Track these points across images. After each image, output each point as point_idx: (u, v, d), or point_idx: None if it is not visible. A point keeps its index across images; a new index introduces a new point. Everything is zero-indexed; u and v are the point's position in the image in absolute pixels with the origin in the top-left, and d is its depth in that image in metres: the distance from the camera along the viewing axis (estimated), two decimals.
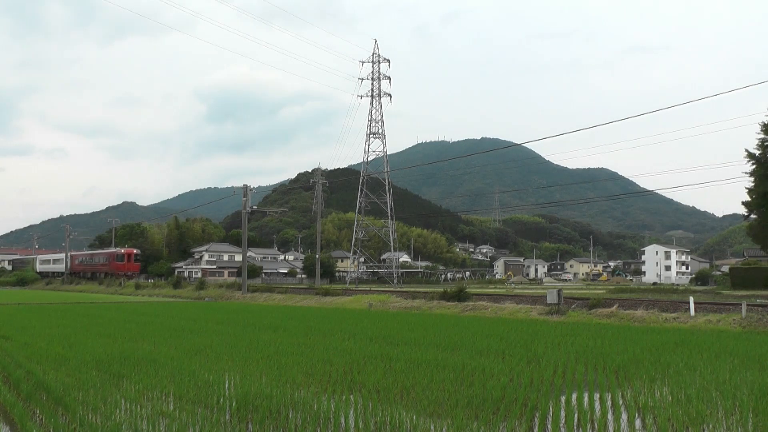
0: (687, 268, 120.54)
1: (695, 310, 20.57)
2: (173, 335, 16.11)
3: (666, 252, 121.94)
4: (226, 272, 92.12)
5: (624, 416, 7.22)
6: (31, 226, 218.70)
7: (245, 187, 45.49)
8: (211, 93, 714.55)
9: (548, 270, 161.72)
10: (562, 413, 7.21)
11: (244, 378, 9.33)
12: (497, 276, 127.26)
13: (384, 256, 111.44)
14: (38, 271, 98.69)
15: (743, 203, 42.50)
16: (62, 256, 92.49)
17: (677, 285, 70.39)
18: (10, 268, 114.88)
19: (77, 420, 6.87)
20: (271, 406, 7.32)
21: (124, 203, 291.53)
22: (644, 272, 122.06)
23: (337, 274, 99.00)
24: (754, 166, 37.09)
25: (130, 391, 8.56)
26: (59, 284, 78.46)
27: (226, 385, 8.72)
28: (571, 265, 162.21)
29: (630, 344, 13.65)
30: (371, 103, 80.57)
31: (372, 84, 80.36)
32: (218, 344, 13.87)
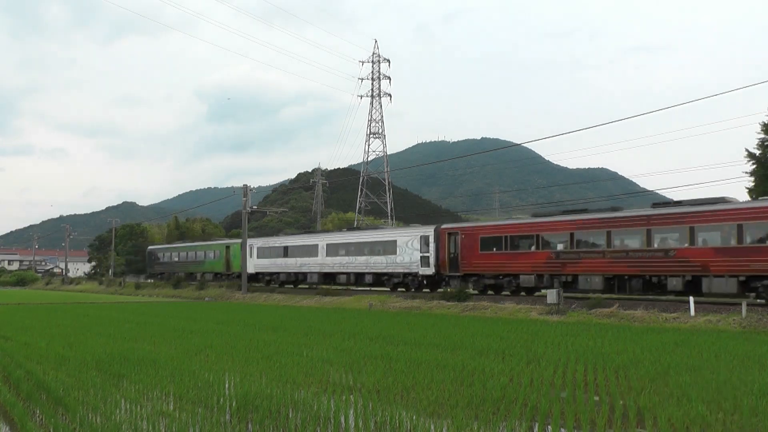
0: None
1: (695, 310, 20.57)
2: (173, 335, 16.11)
3: None
4: None
5: (624, 416, 7.21)
6: (31, 226, 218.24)
7: (245, 187, 45.45)
8: (212, 93, 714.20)
9: None
10: (562, 413, 7.21)
11: (244, 378, 9.34)
12: None
13: None
14: (256, 271, 46.19)
15: None
16: (379, 234, 37.30)
17: None
18: (158, 262, 60.30)
19: (77, 420, 6.87)
20: (271, 406, 7.33)
21: (124, 203, 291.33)
22: None
23: None
24: (754, 166, 37.03)
25: (130, 391, 8.56)
26: (59, 284, 78.28)
27: (226, 385, 8.72)
28: None
29: (630, 344, 13.66)
30: (371, 103, 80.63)
31: (372, 84, 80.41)
32: (218, 344, 13.88)
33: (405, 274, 34.05)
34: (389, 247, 34.86)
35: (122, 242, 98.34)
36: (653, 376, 9.57)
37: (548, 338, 15.09)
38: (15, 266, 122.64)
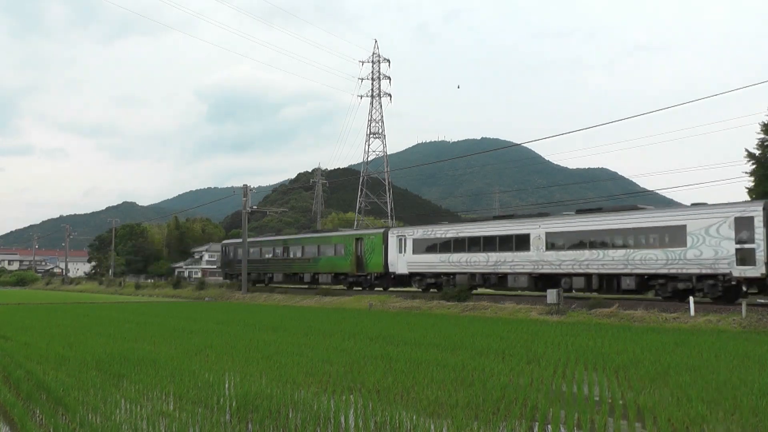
0: None
1: (695, 310, 20.57)
2: (173, 335, 16.11)
3: None
4: None
5: (624, 416, 7.22)
6: (31, 226, 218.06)
7: (245, 187, 45.52)
8: (212, 93, 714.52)
9: None
10: (562, 413, 7.21)
11: (244, 378, 9.34)
12: None
13: None
14: (409, 271, 34.33)
15: None
16: None
17: None
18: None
19: (77, 420, 6.87)
20: (271, 406, 7.33)
21: (124, 203, 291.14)
22: None
23: None
24: (754, 166, 37.00)
25: (130, 391, 8.57)
26: (59, 284, 78.25)
27: (226, 385, 8.72)
28: None
29: (630, 344, 13.66)
30: (371, 103, 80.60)
31: (372, 84, 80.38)
32: (218, 344, 13.88)
33: (701, 276, 22.95)
34: (672, 235, 23.72)
35: (122, 242, 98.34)
36: (653, 376, 9.57)
37: (548, 338, 15.09)
38: (15, 266, 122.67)
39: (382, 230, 36.83)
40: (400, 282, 35.34)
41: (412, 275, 34.08)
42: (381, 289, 36.17)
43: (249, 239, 50.55)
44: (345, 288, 38.43)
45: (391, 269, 34.77)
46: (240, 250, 47.24)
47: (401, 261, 34.00)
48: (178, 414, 7.12)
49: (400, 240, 34.26)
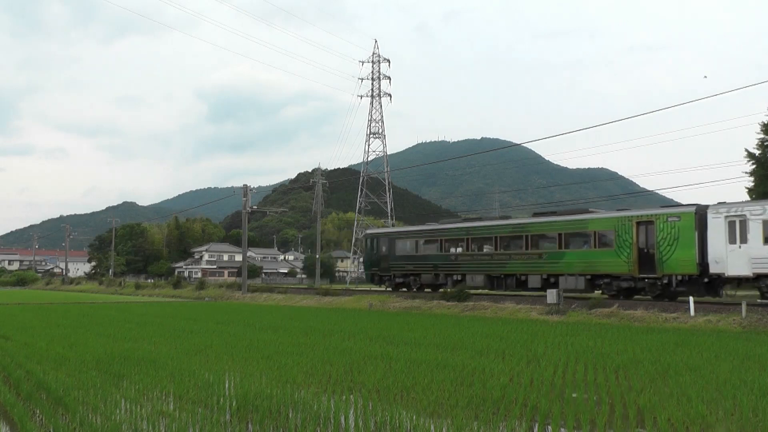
0: None
1: (695, 310, 20.56)
2: (173, 335, 16.11)
3: None
4: (226, 272, 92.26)
5: (624, 416, 7.21)
6: (31, 226, 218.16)
7: (245, 187, 45.52)
8: (212, 93, 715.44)
9: None
10: (562, 413, 7.21)
11: (244, 378, 9.34)
12: None
13: None
14: (756, 272, 21.58)
15: None
16: None
17: None
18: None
19: (77, 420, 6.87)
20: (271, 406, 7.33)
21: (124, 203, 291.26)
22: None
23: (337, 274, 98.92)
24: (754, 166, 37.00)
25: (130, 391, 8.56)
26: (59, 284, 78.20)
27: (226, 385, 8.72)
28: None
29: (630, 344, 13.66)
30: (371, 103, 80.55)
31: (372, 84, 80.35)
32: (218, 344, 13.88)
33: None
34: None
35: (122, 242, 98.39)
36: (653, 376, 9.57)
37: (548, 338, 15.09)
38: (15, 266, 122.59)
39: (692, 208, 23.61)
40: (712, 289, 23.51)
41: (760, 278, 21.86)
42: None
43: (419, 227, 37.85)
44: (606, 297, 25.70)
45: (713, 269, 22.55)
46: (399, 242, 35.28)
47: (738, 256, 21.92)
48: (178, 414, 7.12)
49: (734, 223, 22.14)
